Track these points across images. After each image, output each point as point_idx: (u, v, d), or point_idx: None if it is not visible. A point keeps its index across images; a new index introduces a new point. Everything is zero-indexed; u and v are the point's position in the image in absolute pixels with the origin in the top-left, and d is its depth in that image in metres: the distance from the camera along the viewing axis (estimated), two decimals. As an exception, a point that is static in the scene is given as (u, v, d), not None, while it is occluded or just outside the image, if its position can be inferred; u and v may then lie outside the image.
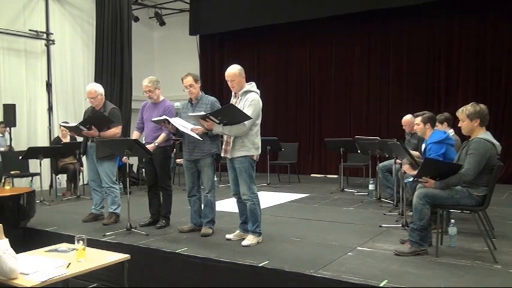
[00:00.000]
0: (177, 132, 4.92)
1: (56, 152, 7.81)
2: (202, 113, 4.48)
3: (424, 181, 4.02)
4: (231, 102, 4.61)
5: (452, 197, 3.93)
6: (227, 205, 6.42)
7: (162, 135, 5.14)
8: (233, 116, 4.33)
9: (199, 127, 4.62)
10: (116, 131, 5.56)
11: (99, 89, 5.69)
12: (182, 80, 4.92)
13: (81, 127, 5.47)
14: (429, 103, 8.92)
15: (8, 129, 8.32)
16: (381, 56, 9.88)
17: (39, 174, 7.45)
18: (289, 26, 10.24)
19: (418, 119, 5.14)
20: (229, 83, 4.52)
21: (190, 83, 4.87)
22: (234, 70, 4.49)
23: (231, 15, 10.72)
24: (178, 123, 4.69)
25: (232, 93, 4.62)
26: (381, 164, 6.73)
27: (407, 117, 6.60)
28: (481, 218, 4.28)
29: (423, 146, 5.17)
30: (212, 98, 4.98)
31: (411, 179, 4.98)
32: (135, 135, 5.48)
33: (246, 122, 4.31)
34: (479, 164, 3.82)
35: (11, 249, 2.93)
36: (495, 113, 8.46)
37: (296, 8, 9.77)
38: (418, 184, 4.28)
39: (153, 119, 4.96)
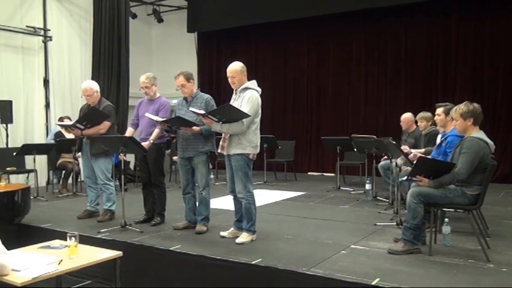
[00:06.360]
0: (171, 129, 4.92)
1: (50, 148, 7.80)
2: (202, 111, 4.49)
3: (418, 180, 4.02)
4: (232, 99, 4.61)
5: (446, 196, 3.93)
6: (222, 203, 6.43)
7: (156, 131, 5.13)
8: (231, 115, 4.33)
9: (188, 129, 4.67)
10: (99, 127, 5.52)
11: (95, 86, 5.69)
12: (175, 79, 4.93)
13: (78, 125, 5.47)
14: (426, 102, 8.89)
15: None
16: (379, 55, 9.87)
17: (33, 170, 7.50)
18: (287, 23, 10.21)
19: (440, 110, 5.03)
20: (229, 79, 4.52)
21: (182, 83, 4.89)
22: (236, 66, 4.49)
23: (229, 12, 10.68)
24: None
25: (234, 91, 4.61)
26: (382, 163, 6.74)
27: (407, 115, 6.70)
28: (475, 217, 4.29)
29: (438, 138, 5.12)
30: (207, 96, 4.98)
31: (405, 178, 4.98)
32: (129, 132, 5.45)
33: (244, 120, 4.31)
34: (472, 163, 3.83)
35: (2, 246, 2.93)
36: (492, 113, 8.47)
37: (294, 6, 9.74)
38: (412, 183, 4.27)
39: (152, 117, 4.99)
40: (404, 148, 5.90)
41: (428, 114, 6.09)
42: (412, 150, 5.83)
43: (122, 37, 9.67)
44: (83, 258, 3.25)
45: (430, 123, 6.07)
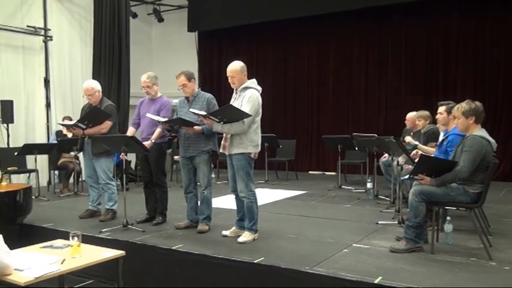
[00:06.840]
0: (173, 129, 4.92)
1: (51, 148, 7.81)
2: (203, 112, 4.48)
3: (420, 178, 4.02)
4: (232, 98, 4.60)
5: (448, 194, 3.93)
6: (224, 202, 6.43)
7: (158, 131, 5.13)
8: (232, 115, 4.33)
9: (190, 128, 4.68)
10: (101, 126, 5.53)
11: (96, 85, 5.69)
12: (176, 79, 4.93)
13: (80, 124, 5.47)
14: (427, 102, 8.87)
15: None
16: (379, 54, 9.87)
17: (34, 170, 7.51)
18: (288, 22, 10.22)
19: (442, 108, 4.96)
20: (229, 79, 4.51)
21: (183, 83, 4.89)
22: (235, 66, 4.48)
23: (229, 11, 10.68)
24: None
25: (234, 90, 4.61)
26: (383, 160, 6.74)
27: (411, 114, 6.70)
28: (477, 215, 4.28)
29: (441, 136, 5.13)
30: (208, 95, 4.99)
31: (407, 176, 4.98)
32: (130, 131, 5.46)
33: (245, 120, 4.31)
34: (474, 161, 3.83)
35: (5, 245, 2.93)
36: (493, 111, 8.46)
37: (295, 5, 9.74)
38: (414, 181, 4.27)
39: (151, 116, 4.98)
40: (406, 138, 5.97)
41: (426, 112, 6.15)
42: (417, 143, 5.87)
43: (122, 36, 9.67)
44: (85, 257, 3.26)
45: (428, 121, 6.12)
